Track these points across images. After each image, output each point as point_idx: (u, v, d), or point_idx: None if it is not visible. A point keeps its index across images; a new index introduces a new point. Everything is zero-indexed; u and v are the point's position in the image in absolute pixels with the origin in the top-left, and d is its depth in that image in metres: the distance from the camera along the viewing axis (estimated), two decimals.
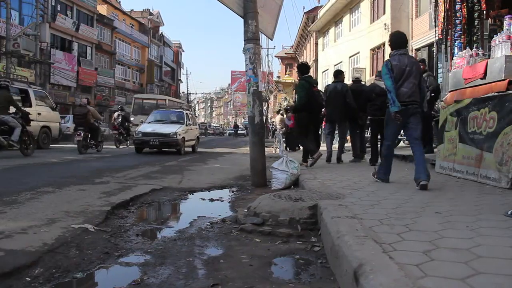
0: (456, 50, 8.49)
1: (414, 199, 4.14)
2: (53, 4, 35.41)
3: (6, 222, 3.68)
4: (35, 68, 29.26)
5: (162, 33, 64.49)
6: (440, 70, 16.08)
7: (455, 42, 8.66)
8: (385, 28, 21.38)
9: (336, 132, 10.88)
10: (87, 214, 4.14)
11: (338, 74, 9.49)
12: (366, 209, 3.57)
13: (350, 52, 27.11)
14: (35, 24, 28.24)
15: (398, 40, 5.56)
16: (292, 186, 6.17)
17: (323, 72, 33.48)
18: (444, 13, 8.82)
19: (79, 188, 5.88)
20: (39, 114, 15.27)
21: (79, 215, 4.05)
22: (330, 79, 29.39)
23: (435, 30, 10.76)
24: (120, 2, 56.36)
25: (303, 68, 8.47)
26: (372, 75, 23.35)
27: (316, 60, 35.87)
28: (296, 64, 52.69)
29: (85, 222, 3.77)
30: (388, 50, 20.80)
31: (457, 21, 8.57)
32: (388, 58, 5.53)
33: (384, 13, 22.29)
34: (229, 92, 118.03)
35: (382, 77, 5.41)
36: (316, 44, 36.04)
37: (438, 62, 15.90)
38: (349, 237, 2.51)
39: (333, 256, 2.58)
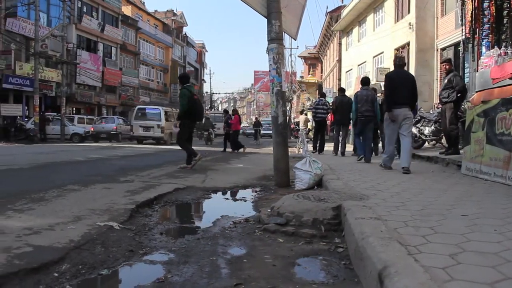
0: (483, 49, 8.36)
1: (440, 201, 4.08)
2: (79, 5, 36.01)
3: (34, 218, 3.75)
4: (61, 68, 29.77)
5: (185, 33, 64.96)
6: (466, 70, 15.78)
7: (482, 41, 8.51)
8: (410, 28, 21.11)
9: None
10: (112, 212, 4.19)
11: (343, 90, 13.00)
12: (391, 210, 3.53)
13: (374, 52, 26.85)
14: (62, 25, 28.74)
15: (363, 80, 10.33)
16: (315, 187, 6.15)
17: (346, 72, 33.25)
18: (472, 11, 8.68)
19: (104, 186, 5.96)
20: None
21: (105, 213, 4.11)
22: (353, 79, 29.26)
23: (462, 29, 10.61)
24: (144, 3, 57.02)
25: (184, 79, 9.45)
26: None
27: (339, 60, 35.66)
28: (320, 63, 52.46)
29: (110, 220, 3.83)
30: (412, 50, 20.68)
31: (485, 20, 8.43)
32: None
33: (408, 12, 22.00)
34: (252, 92, 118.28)
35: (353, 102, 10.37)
36: (340, 44, 35.81)
37: (465, 62, 15.62)
38: (373, 238, 2.49)
39: (357, 258, 2.56)
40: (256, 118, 35.59)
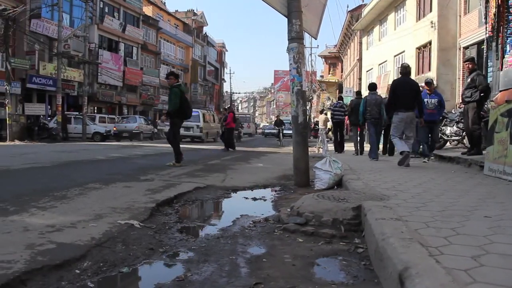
0: (508, 48, 8.22)
1: (461, 202, 4.02)
2: (101, 6, 36.45)
3: (57, 216, 3.81)
4: (83, 68, 30.19)
5: (206, 33, 65.28)
6: (490, 69, 15.54)
7: (507, 39, 8.37)
8: (432, 26, 20.85)
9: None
10: (133, 210, 4.23)
11: (359, 93, 13.51)
12: (412, 211, 3.49)
13: (395, 51, 26.58)
14: (84, 26, 29.15)
15: (370, 86, 11.22)
16: (335, 187, 6.12)
17: (367, 71, 33.01)
18: (496, 9, 8.54)
19: (125, 185, 6.03)
20: None
21: (125, 211, 4.15)
22: (374, 79, 29.01)
23: (486, 27, 10.44)
24: (165, 3, 57.44)
25: (178, 77, 9.96)
26: (418, 74, 22.84)
27: (360, 59, 35.41)
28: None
29: (130, 218, 3.86)
30: (434, 49, 20.40)
31: (510, 17, 8.28)
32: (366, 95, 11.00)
33: (430, 10, 21.73)
34: (272, 91, 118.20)
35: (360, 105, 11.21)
36: (360, 43, 35.55)
37: (488, 61, 15.38)
38: (394, 239, 2.46)
39: (377, 258, 2.53)
40: (277, 117, 31.86)
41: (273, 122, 53.16)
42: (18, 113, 24.94)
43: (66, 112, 27.54)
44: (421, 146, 10.49)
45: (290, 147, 8.71)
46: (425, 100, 9.19)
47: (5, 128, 21.14)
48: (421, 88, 10.65)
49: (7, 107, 21.69)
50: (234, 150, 17.18)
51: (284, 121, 29.70)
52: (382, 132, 11.98)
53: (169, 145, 9.58)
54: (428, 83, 9.50)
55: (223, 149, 17.17)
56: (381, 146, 12.63)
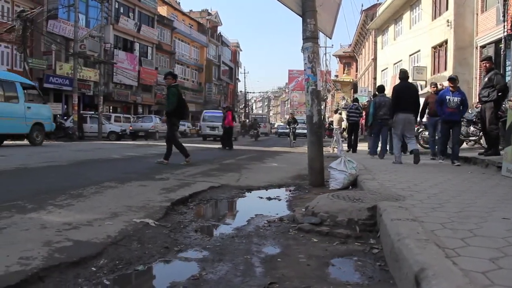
0: None
1: (479, 203, 3.98)
2: (116, 6, 36.73)
3: (73, 214, 3.85)
4: (99, 68, 30.45)
5: (220, 32, 65.40)
6: (508, 68, 15.38)
7: None
8: (448, 25, 20.65)
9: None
10: (148, 209, 4.26)
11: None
12: (427, 212, 3.47)
13: (410, 50, 26.39)
14: (100, 26, 29.39)
15: (379, 88, 11.84)
16: (350, 187, 6.09)
17: (382, 71, 32.83)
18: None
19: (140, 184, 6.07)
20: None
21: (140, 210, 4.18)
22: (389, 78, 28.83)
23: (504, 25, 10.30)
24: (179, 3, 57.69)
25: (176, 77, 10.06)
26: (434, 73, 22.65)
27: (375, 59, 35.22)
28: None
29: (146, 216, 3.89)
30: (450, 48, 20.20)
31: None
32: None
33: (446, 9, 21.53)
34: (287, 91, 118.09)
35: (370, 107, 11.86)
36: (375, 42, 35.36)
37: (506, 60, 15.20)
38: (409, 240, 2.44)
39: (393, 259, 2.52)
40: (291, 114, 29.63)
41: (286, 121, 52.72)
42: None
43: (82, 112, 27.83)
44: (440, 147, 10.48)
45: (305, 147, 8.70)
46: (447, 97, 8.75)
47: None
48: (440, 86, 10.56)
49: None
50: (231, 149, 17.15)
51: (297, 121, 28.76)
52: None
53: (185, 145, 9.62)
54: (452, 79, 9.01)
55: (220, 148, 17.25)
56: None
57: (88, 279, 2.40)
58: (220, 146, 17.71)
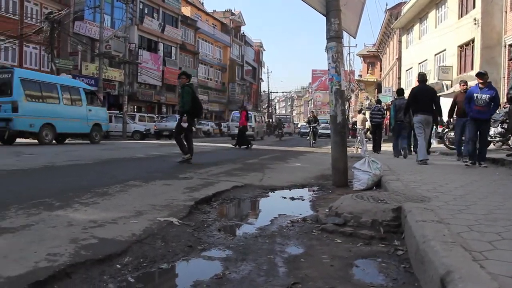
0: None
1: (507, 205, 3.89)
2: (141, 7, 37.13)
3: (99, 212, 3.91)
4: (124, 68, 30.82)
5: (243, 32, 65.54)
6: None
7: None
8: (475, 23, 20.28)
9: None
10: (172, 208, 4.29)
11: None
12: (454, 213, 3.41)
13: (435, 49, 26.01)
14: (124, 27, 29.75)
15: (399, 91, 12.34)
16: (374, 187, 6.04)
17: (406, 70, 32.43)
18: None
19: (164, 182, 6.12)
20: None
21: (165, 209, 4.21)
22: (414, 78, 28.46)
23: None
24: (203, 3, 57.99)
25: (190, 76, 10.19)
26: (460, 73, 22.28)
27: (399, 58, 34.83)
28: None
29: (170, 215, 3.92)
30: (477, 47, 19.86)
31: None
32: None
33: (474, 7, 21.14)
34: (310, 91, 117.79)
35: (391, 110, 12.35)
36: (400, 41, 34.97)
37: None
38: (435, 242, 2.41)
39: (418, 261, 2.49)
40: (312, 112, 28.49)
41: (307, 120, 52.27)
42: None
43: (107, 111, 28.20)
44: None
45: (328, 147, 8.65)
46: (475, 95, 8.35)
47: None
48: (469, 86, 10.32)
49: None
50: (246, 147, 17.41)
51: (319, 120, 28.39)
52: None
53: (206, 144, 9.70)
54: (480, 74, 8.53)
55: (235, 147, 17.45)
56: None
57: (113, 276, 2.43)
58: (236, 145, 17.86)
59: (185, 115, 9.53)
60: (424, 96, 9.42)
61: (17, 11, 27.26)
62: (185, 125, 9.51)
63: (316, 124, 24.47)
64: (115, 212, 3.94)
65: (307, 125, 25.99)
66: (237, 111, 35.28)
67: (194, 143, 9.78)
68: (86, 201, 4.42)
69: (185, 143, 9.64)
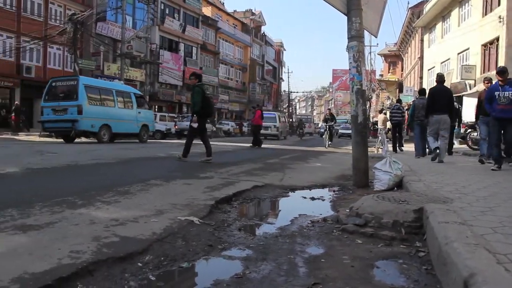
0: None
1: None
2: (162, 8, 37.44)
3: (120, 210, 3.95)
4: (145, 68, 31.12)
5: (264, 32, 65.59)
6: None
7: None
8: (500, 21, 19.91)
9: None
10: (192, 207, 4.31)
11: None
12: (477, 215, 3.36)
13: (458, 48, 25.62)
14: (146, 27, 30.04)
15: (421, 91, 11.97)
16: (395, 188, 5.98)
17: (428, 70, 32.02)
18: None
19: (185, 182, 6.15)
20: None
21: (185, 208, 4.24)
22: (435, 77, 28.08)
23: None
24: (223, 3, 58.16)
25: (198, 77, 10.16)
26: (483, 72, 21.92)
27: (421, 58, 34.42)
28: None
29: (190, 214, 3.93)
30: (502, 45, 19.51)
31: None
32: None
33: (499, 4, 20.74)
34: (330, 90, 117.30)
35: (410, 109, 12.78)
36: (422, 40, 34.55)
37: None
38: (458, 244, 2.38)
39: (440, 263, 2.45)
40: (328, 110, 26.07)
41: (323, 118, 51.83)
42: None
43: (153, 113, 28.47)
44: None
45: (348, 147, 8.60)
46: (496, 93, 8.00)
47: None
48: (492, 82, 10.08)
49: None
50: (259, 147, 17.62)
51: (339, 120, 27.78)
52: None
53: (226, 143, 9.77)
54: (501, 71, 8.14)
55: (250, 147, 17.65)
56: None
57: (134, 275, 2.45)
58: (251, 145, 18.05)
59: (194, 115, 9.73)
60: (442, 97, 9.71)
61: (41, 13, 27.76)
62: (195, 125, 9.70)
63: (333, 123, 22.47)
64: (136, 210, 3.98)
65: (324, 124, 23.30)
66: (264, 111, 37.05)
67: (214, 143, 9.86)
68: (108, 199, 4.47)
69: (190, 144, 9.84)
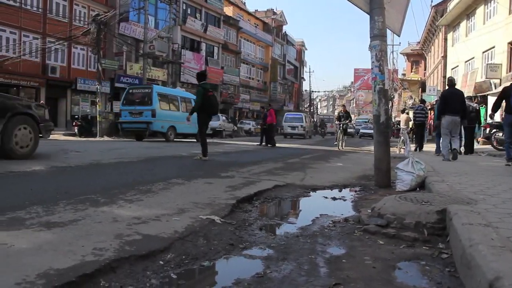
0: None
1: None
2: (184, 8, 37.68)
3: (142, 209, 3.99)
4: (167, 67, 31.33)
5: (285, 32, 65.50)
6: None
7: None
8: None
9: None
10: (214, 206, 4.33)
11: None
12: (502, 217, 3.29)
13: (483, 47, 25.16)
14: (168, 27, 30.26)
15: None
16: (417, 189, 5.90)
17: (452, 69, 31.52)
18: None
19: (206, 181, 6.18)
20: None
21: (206, 207, 4.26)
22: (459, 77, 27.67)
23: None
24: (245, 3, 58.29)
25: (201, 76, 10.43)
26: (509, 71, 21.51)
27: (444, 57, 33.91)
28: (423, 60, 50.19)
29: (212, 213, 3.95)
30: None
31: None
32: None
33: None
34: (352, 90, 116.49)
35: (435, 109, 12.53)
36: (445, 39, 34.03)
37: None
38: (483, 246, 2.33)
39: (464, 266, 2.41)
40: (343, 106, 22.18)
41: (353, 122, 51.15)
42: (107, 111, 26.42)
43: None
44: None
45: (369, 147, 8.53)
46: None
47: (96, 125, 22.48)
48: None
49: (97, 105, 23.07)
50: (273, 146, 18.27)
51: (359, 121, 27.34)
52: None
53: (247, 142, 9.77)
54: None
55: (263, 145, 18.68)
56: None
57: (156, 272, 2.48)
58: (264, 144, 18.99)
59: (190, 114, 10.29)
60: (454, 100, 10.39)
61: (66, 14, 28.21)
62: (188, 123, 10.41)
63: (348, 121, 19.82)
64: (158, 209, 4.01)
65: (337, 122, 20.36)
66: (290, 113, 39.95)
67: (236, 142, 9.92)
68: (130, 198, 4.52)
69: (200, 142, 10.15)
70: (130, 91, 20.60)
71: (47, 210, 3.71)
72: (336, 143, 18.74)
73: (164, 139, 19.63)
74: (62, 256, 2.52)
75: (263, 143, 19.20)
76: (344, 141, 19.31)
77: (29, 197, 4.25)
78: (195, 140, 20.73)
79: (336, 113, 29.00)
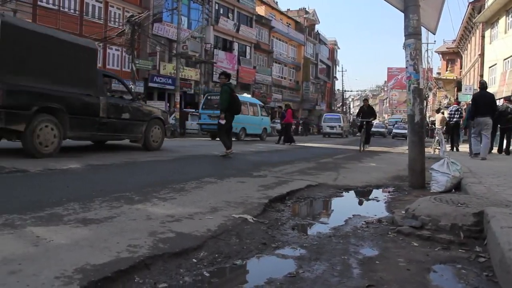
0: None
1: None
2: (216, 8, 37.91)
3: (175, 207, 4.04)
4: (200, 67, 31.59)
5: (317, 31, 65.15)
6: None
7: None
8: None
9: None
10: (246, 205, 4.35)
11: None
12: None
13: None
14: (201, 27, 30.52)
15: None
16: (453, 190, 5.78)
17: (489, 67, 30.65)
18: None
19: (239, 180, 6.21)
20: None
21: (239, 206, 4.28)
22: (498, 75, 26.91)
23: None
24: (277, 2, 58.22)
25: (226, 76, 10.68)
26: None
27: (481, 55, 33.01)
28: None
29: (244, 212, 3.97)
30: None
31: None
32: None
33: None
34: (385, 89, 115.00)
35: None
36: (483, 36, 33.08)
37: None
38: None
39: (503, 270, 2.34)
40: (365, 101, 18.41)
41: (386, 121, 50.09)
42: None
43: (183, 109, 29.05)
44: None
45: (403, 147, 8.38)
46: None
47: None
48: None
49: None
50: (292, 143, 19.36)
51: (391, 120, 26.10)
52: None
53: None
54: None
55: (280, 143, 19.52)
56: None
57: (189, 270, 2.51)
58: (281, 142, 19.78)
59: (222, 113, 10.26)
60: (484, 102, 11.04)
61: (101, 15, 28.77)
62: (222, 122, 10.25)
63: (371, 119, 16.72)
64: (191, 207, 4.05)
65: (357, 118, 17.64)
66: (329, 113, 42.40)
67: (268, 141, 9.98)
68: (164, 196, 4.59)
69: (226, 139, 10.40)
70: (209, 97, 22.77)
71: (83, 207, 3.80)
72: (360, 143, 16.04)
73: (235, 139, 20.36)
74: (98, 252, 2.58)
75: (280, 142, 19.91)
76: (364, 141, 16.23)
77: (66, 194, 4.36)
78: (258, 139, 23.74)
79: (357, 109, 28.16)
